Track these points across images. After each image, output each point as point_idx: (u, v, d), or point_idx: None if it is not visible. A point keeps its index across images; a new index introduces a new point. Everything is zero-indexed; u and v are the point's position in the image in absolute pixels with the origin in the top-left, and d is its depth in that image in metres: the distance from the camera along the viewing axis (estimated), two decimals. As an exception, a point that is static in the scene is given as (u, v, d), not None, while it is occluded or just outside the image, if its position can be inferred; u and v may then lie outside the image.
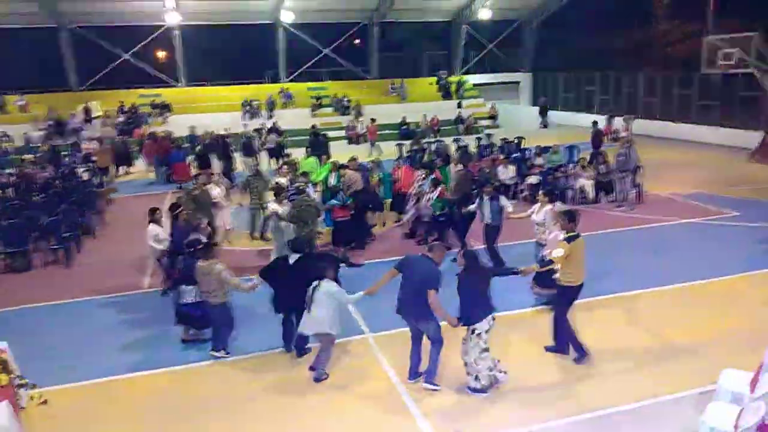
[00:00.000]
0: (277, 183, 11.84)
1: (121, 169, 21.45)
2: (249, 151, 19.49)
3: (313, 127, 22.53)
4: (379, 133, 24.71)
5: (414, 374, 6.57)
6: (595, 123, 19.69)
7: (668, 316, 8.17)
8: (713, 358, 6.66)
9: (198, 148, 19.12)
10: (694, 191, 15.28)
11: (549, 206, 8.78)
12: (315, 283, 6.58)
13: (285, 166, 13.55)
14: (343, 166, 12.68)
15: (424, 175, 11.88)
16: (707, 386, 6.00)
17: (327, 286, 6.56)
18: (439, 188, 11.15)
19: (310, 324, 6.63)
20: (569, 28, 36.42)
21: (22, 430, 5.77)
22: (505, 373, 6.42)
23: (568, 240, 6.77)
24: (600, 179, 14.53)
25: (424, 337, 6.51)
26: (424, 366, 6.54)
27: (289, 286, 6.97)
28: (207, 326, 7.60)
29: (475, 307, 6.14)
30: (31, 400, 6.21)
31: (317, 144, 19.15)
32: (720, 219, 12.84)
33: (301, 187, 11.10)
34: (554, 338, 7.13)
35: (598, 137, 18.50)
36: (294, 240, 7.99)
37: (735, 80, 22.58)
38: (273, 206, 10.29)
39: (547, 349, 7.15)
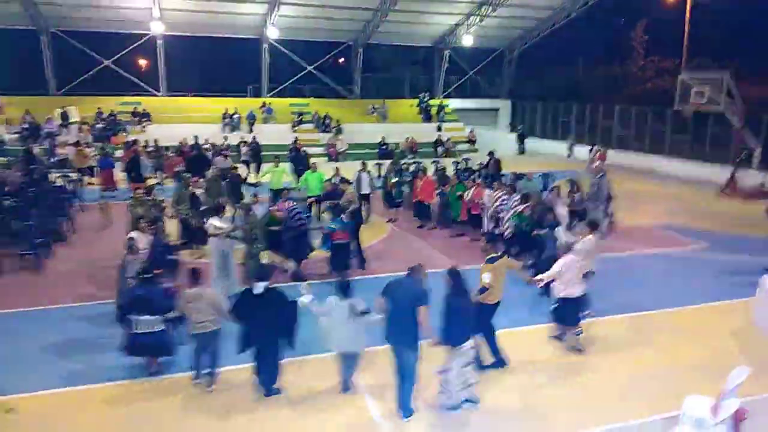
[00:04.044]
0: (218, 201, 11.73)
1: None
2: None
3: (295, 141, 22.61)
4: (357, 152, 24.91)
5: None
6: (491, 153, 19.74)
7: (635, 342, 8.35)
8: (678, 384, 6.81)
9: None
10: (665, 222, 15.68)
11: (590, 236, 8.66)
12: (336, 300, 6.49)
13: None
14: (344, 180, 13.09)
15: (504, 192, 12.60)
16: (672, 412, 6.14)
17: (353, 302, 6.48)
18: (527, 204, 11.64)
19: (342, 342, 6.59)
20: (549, 59, 37.38)
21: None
22: (475, 402, 6.51)
23: (491, 261, 7.11)
24: (573, 208, 14.78)
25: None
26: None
27: (259, 319, 6.47)
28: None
29: (462, 327, 6.22)
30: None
31: (298, 159, 19.18)
32: (689, 250, 13.19)
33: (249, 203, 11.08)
34: (493, 355, 7.36)
35: (496, 165, 18.88)
36: (259, 268, 7.57)
37: (706, 116, 23.33)
38: (214, 222, 9.86)
39: (485, 367, 7.29)
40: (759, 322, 8.75)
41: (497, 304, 7.25)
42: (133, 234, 8.99)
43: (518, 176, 17.05)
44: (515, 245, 11.48)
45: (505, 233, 12.02)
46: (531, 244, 11.08)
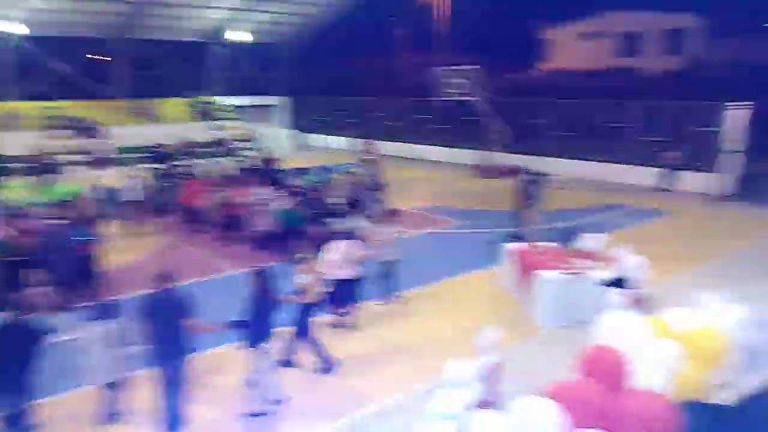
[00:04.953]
0: None
1: None
2: None
3: (41, 152, 20.07)
4: (125, 155, 22.99)
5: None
6: (264, 150, 19.96)
7: (411, 318, 9.08)
8: (442, 350, 7.50)
9: None
10: (430, 204, 17.27)
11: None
12: None
13: None
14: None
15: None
16: (437, 377, 6.80)
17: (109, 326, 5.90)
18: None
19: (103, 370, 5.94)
20: (324, 55, 38.43)
21: None
22: (279, 401, 6.49)
23: (303, 261, 7.36)
24: (349, 197, 15.49)
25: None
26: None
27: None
28: None
29: (262, 327, 6.15)
30: None
31: (47, 169, 17.08)
32: (450, 228, 14.70)
33: None
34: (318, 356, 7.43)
35: (270, 162, 19.22)
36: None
37: (462, 105, 26.10)
38: None
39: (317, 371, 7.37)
40: (505, 284, 10.14)
41: (316, 304, 7.32)
42: None
43: (299, 171, 17.39)
44: (282, 241, 11.67)
45: (270, 231, 12.03)
46: (300, 238, 11.37)
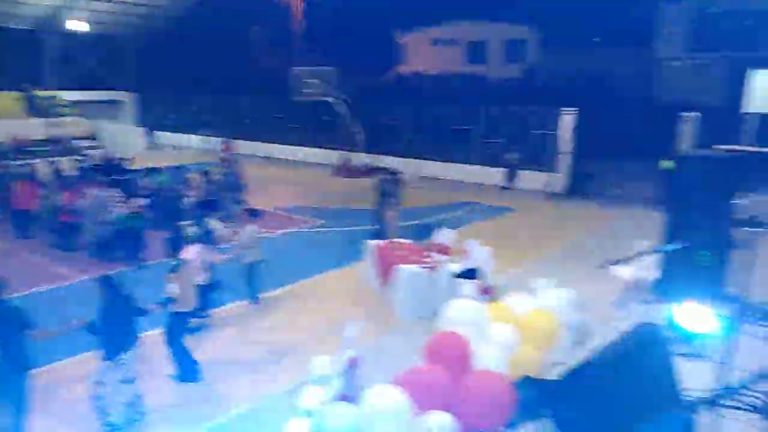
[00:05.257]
0: None
1: None
2: None
3: None
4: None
5: None
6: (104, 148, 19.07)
7: (277, 318, 9.02)
8: (307, 349, 7.60)
9: None
10: (291, 204, 17.19)
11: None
12: None
13: None
14: None
15: None
16: (303, 375, 6.84)
17: None
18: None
19: None
20: (177, 49, 36.50)
21: None
22: (137, 420, 6.13)
23: (175, 269, 6.94)
24: (206, 198, 14.95)
25: None
26: None
27: None
28: None
29: (115, 338, 5.79)
30: None
31: None
32: (312, 227, 14.75)
33: None
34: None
35: (110, 163, 18.26)
36: None
37: (319, 106, 26.25)
38: None
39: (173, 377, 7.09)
40: (367, 280, 10.41)
41: (190, 312, 7.00)
42: None
43: (151, 171, 16.40)
44: (124, 247, 11.17)
45: (111, 236, 11.36)
46: (144, 244, 11.07)
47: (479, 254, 9.16)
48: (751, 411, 5.49)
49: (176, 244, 8.57)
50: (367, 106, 24.90)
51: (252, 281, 9.33)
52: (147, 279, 9.48)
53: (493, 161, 21.39)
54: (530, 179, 20.10)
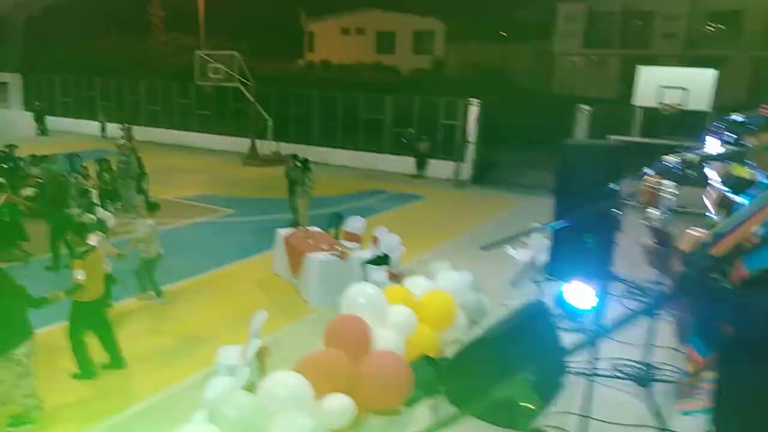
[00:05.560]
0: None
1: None
2: None
3: None
4: None
5: None
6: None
7: (183, 310, 8.75)
8: (215, 339, 7.44)
9: None
10: (198, 194, 16.66)
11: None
12: None
13: None
14: None
15: None
16: (210, 366, 6.72)
17: None
18: None
19: None
20: (65, 29, 34.18)
21: None
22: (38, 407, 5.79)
23: (81, 255, 6.57)
24: (104, 187, 14.23)
25: None
26: None
27: None
28: None
29: (10, 329, 5.43)
30: None
31: None
32: (220, 217, 14.40)
33: None
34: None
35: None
36: None
37: (226, 92, 25.49)
38: None
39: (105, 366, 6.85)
40: (277, 269, 10.35)
41: (98, 301, 6.69)
42: None
43: (38, 159, 15.35)
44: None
45: None
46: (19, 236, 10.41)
47: (389, 241, 9.34)
48: (628, 379, 6.05)
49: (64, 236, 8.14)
50: (276, 93, 24.50)
51: (150, 276, 8.98)
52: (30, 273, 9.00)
53: (402, 150, 21.75)
54: (439, 168, 20.62)
